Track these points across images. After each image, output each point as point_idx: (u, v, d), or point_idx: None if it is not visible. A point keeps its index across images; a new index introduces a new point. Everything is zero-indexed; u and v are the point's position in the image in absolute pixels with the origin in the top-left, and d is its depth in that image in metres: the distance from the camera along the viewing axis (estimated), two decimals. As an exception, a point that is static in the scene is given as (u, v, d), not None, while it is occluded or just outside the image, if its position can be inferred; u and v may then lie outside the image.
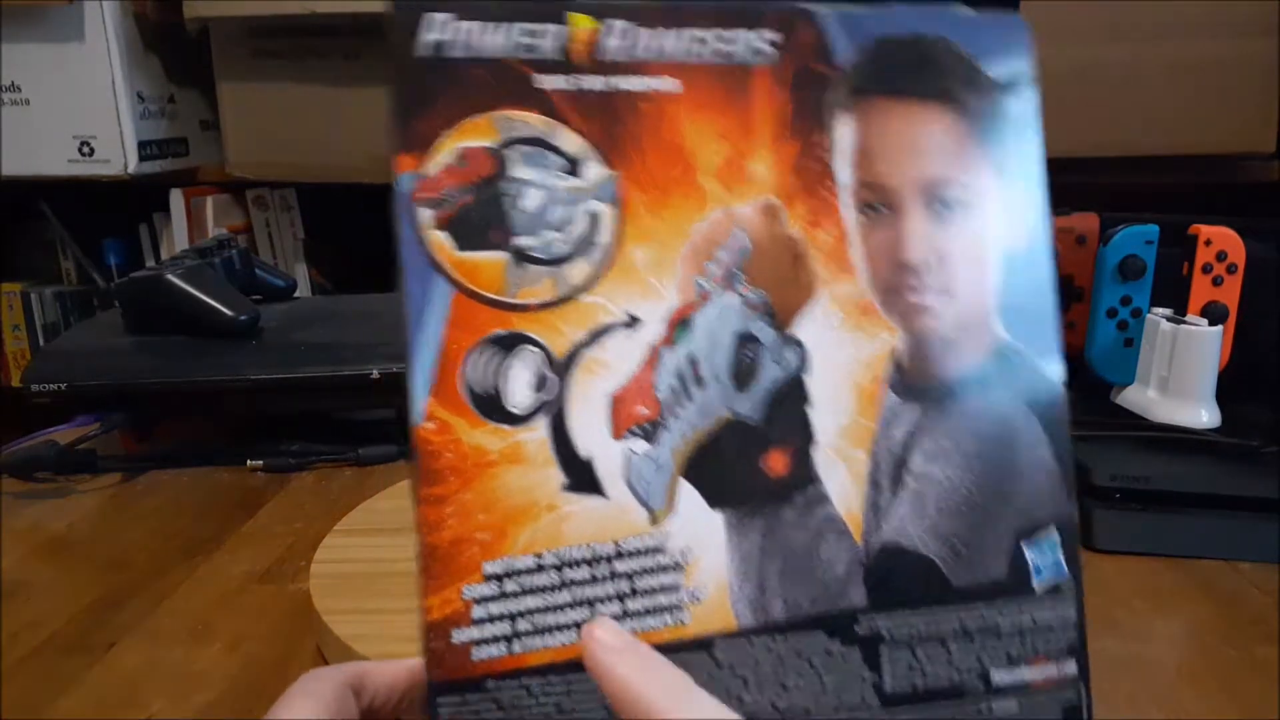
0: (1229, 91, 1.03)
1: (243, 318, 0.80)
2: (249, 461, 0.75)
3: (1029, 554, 0.31)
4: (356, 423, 0.84)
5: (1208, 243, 0.75)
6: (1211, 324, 0.73)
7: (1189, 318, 0.75)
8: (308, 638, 0.50)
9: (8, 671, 0.48)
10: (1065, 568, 0.32)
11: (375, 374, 0.74)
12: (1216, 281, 0.75)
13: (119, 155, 1.22)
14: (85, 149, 1.22)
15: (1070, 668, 0.31)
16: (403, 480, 0.67)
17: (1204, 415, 0.73)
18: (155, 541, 0.63)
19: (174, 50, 1.28)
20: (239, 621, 0.52)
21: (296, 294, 1.02)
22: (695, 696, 0.26)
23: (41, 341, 1.43)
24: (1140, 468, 0.64)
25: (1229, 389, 0.74)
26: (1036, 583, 0.31)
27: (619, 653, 0.27)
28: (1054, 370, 0.32)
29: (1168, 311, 0.76)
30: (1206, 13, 1.02)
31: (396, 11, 0.29)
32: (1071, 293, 0.82)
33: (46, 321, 1.44)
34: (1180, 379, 0.73)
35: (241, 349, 0.79)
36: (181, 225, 1.31)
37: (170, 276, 0.80)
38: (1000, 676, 0.31)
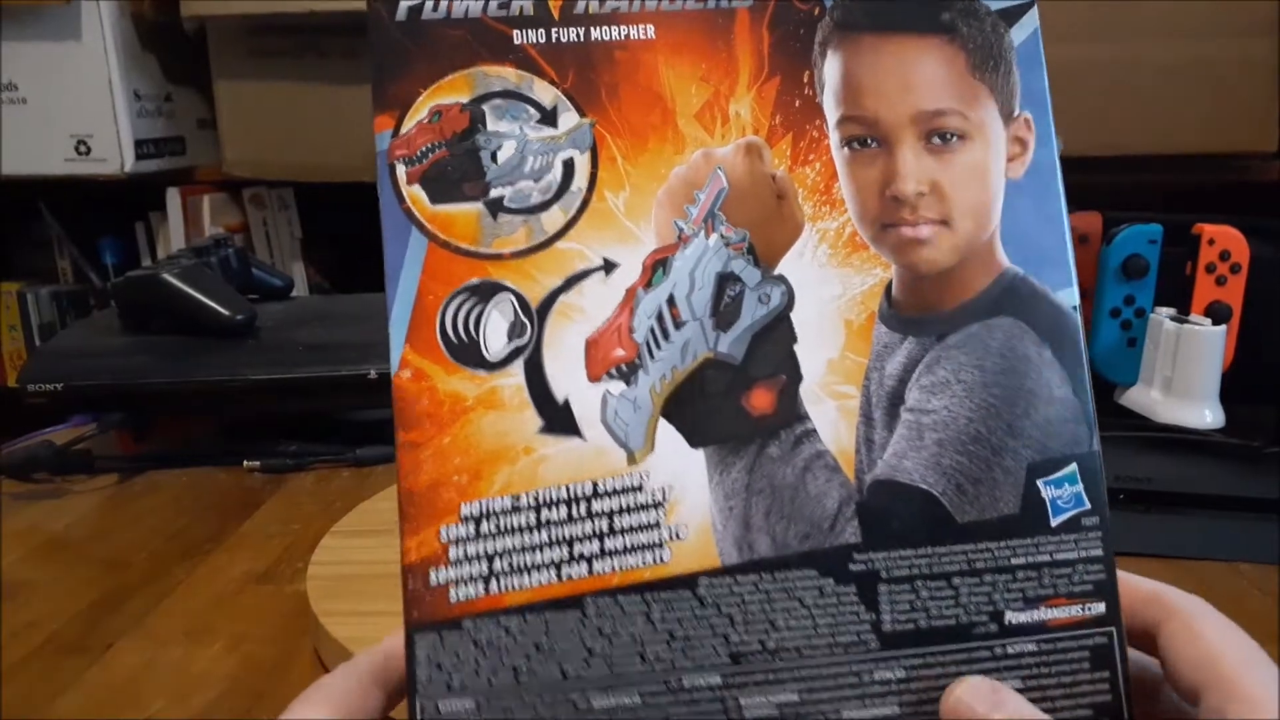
0: (1230, 91, 1.03)
1: (240, 317, 0.80)
2: (246, 462, 0.75)
3: (1045, 490, 0.30)
4: (354, 423, 0.84)
5: (1211, 242, 0.75)
6: (1215, 324, 0.73)
7: (1192, 317, 0.74)
8: (305, 639, 0.49)
9: (7, 671, 0.47)
10: (1086, 502, 0.30)
11: (373, 374, 0.74)
12: (1220, 281, 0.75)
13: (116, 154, 1.22)
14: (82, 148, 1.22)
15: (1097, 608, 0.30)
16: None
17: (1208, 416, 0.72)
18: (153, 542, 0.62)
19: (171, 49, 1.28)
20: (237, 622, 0.52)
21: (294, 293, 1.01)
22: None
23: (38, 341, 1.43)
24: (1144, 469, 0.64)
25: (1233, 389, 0.73)
26: (1055, 520, 0.30)
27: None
28: (1067, 299, 0.31)
29: (1171, 311, 0.76)
30: (1208, 13, 1.02)
31: None
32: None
33: (43, 321, 1.44)
34: (1184, 379, 0.73)
35: (238, 349, 0.79)
36: (178, 224, 1.31)
37: (167, 276, 0.80)
38: (1015, 616, 0.30)
